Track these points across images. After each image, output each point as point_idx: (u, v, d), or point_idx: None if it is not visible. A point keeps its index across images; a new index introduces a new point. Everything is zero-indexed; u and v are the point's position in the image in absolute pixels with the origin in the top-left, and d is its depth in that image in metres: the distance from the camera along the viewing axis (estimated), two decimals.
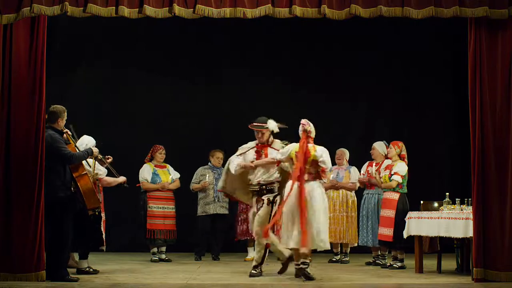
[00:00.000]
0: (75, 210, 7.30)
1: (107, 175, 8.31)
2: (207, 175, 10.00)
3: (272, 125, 7.84)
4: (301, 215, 7.26)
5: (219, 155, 10.15)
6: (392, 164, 8.81)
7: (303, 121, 7.59)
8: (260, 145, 7.90)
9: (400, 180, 8.59)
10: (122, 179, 8.42)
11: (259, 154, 7.88)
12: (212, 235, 10.16)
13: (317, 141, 8.29)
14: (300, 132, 7.56)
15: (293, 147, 7.55)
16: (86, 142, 8.12)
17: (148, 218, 9.64)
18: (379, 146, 9.31)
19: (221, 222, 10.11)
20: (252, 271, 7.76)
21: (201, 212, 10.05)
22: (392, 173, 8.66)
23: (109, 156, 8.37)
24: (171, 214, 9.76)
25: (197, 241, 10.13)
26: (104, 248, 8.39)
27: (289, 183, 7.44)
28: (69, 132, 7.46)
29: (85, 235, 7.71)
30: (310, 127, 7.57)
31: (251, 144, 8.01)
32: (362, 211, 9.42)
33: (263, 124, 7.84)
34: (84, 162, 7.52)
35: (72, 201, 7.23)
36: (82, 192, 7.23)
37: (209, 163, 10.18)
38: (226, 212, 10.10)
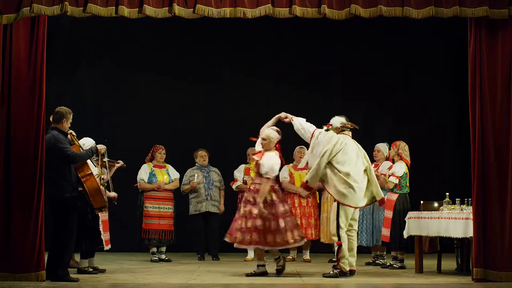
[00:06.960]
0: (80, 210, 7.31)
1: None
2: (196, 175, 9.98)
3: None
4: None
5: (202, 153, 10.15)
6: (393, 165, 8.81)
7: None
8: None
9: (396, 181, 8.57)
10: (113, 194, 8.45)
11: None
12: (206, 234, 10.11)
13: None
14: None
15: None
16: (84, 142, 8.13)
17: (144, 218, 9.66)
18: (384, 148, 9.28)
19: (214, 221, 10.05)
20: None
21: (194, 210, 10.02)
22: (389, 174, 8.66)
23: (119, 161, 8.46)
24: (168, 214, 9.73)
25: (196, 241, 10.11)
26: (108, 247, 8.39)
27: None
28: (73, 133, 7.46)
29: (83, 234, 7.71)
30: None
31: None
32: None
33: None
34: (90, 162, 7.53)
35: (78, 201, 7.23)
36: (88, 192, 7.22)
37: (196, 164, 10.17)
38: (217, 211, 10.05)
